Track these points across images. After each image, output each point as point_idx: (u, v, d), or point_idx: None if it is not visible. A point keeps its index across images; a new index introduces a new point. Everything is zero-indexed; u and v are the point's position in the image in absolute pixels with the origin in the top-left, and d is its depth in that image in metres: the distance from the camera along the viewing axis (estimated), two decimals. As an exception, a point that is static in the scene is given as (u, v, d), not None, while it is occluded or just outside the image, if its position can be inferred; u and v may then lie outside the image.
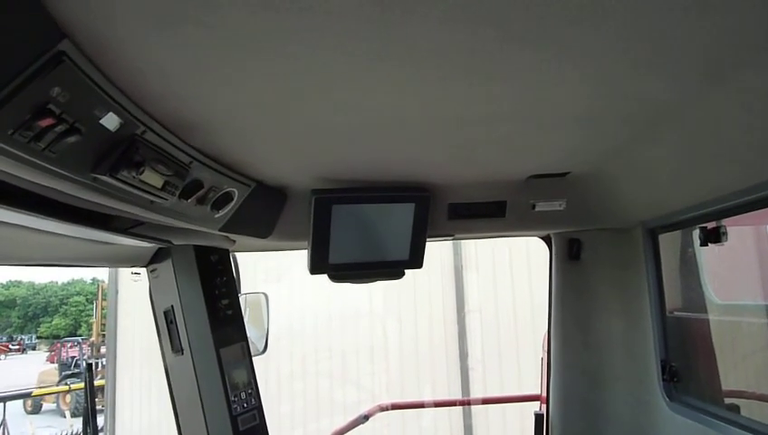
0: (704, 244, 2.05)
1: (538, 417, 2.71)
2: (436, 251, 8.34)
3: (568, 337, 2.62)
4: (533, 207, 2.24)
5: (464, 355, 8.73)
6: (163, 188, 1.27)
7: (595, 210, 2.30)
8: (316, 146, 1.56)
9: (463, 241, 8.36)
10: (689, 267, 2.52)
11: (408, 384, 8.77)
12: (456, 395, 8.53)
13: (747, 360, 2.54)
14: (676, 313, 2.46)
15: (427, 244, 2.25)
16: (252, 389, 2.22)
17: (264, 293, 2.72)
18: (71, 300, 48.56)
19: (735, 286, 2.71)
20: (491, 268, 8.69)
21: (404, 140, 1.53)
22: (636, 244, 2.45)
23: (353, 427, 4.00)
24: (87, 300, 45.38)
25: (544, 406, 2.80)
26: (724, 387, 2.37)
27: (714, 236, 2.01)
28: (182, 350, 2.14)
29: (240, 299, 2.33)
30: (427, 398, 8.16)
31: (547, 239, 2.73)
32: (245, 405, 2.16)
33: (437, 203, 2.16)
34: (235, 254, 2.44)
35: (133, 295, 9.97)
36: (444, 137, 1.53)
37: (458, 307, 8.84)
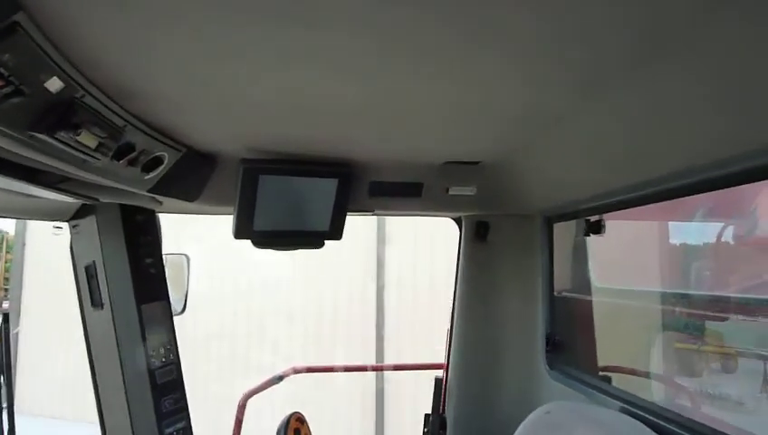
0: (586, 234, 2.33)
1: (437, 381, 2.93)
2: (360, 225, 8.49)
3: (470, 311, 2.82)
4: (447, 190, 2.40)
5: (380, 325, 9.04)
6: (97, 149, 1.32)
7: (502, 197, 2.48)
8: (245, 118, 1.62)
9: (387, 218, 8.59)
10: (579, 254, 2.83)
11: (325, 351, 9.01)
12: (371, 362, 8.84)
13: (618, 334, 2.92)
14: (564, 293, 2.77)
15: (350, 218, 2.40)
16: (171, 345, 2.29)
17: (185, 254, 2.75)
18: (-32, 250, 44.86)
19: (612, 272, 3.07)
20: (412, 245, 8.98)
21: (330, 119, 1.62)
22: (534, 230, 2.68)
23: (268, 386, 4.12)
24: (-14, 251, 42.08)
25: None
26: (600, 358, 2.71)
27: (595, 228, 2.29)
28: (102, 304, 2.18)
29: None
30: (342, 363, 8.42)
31: (458, 221, 2.91)
32: (164, 360, 2.23)
33: (359, 180, 2.28)
34: (158, 216, 2.47)
35: (44, 249, 9.50)
36: (366, 120, 1.63)
37: (378, 278, 9.10)
